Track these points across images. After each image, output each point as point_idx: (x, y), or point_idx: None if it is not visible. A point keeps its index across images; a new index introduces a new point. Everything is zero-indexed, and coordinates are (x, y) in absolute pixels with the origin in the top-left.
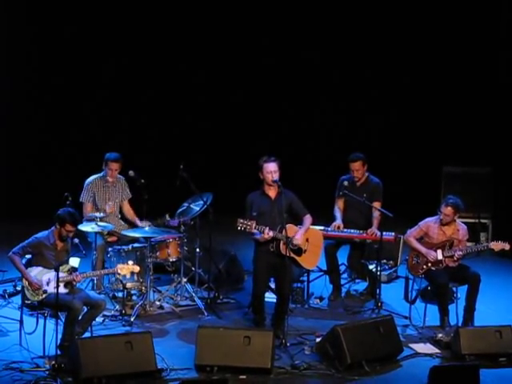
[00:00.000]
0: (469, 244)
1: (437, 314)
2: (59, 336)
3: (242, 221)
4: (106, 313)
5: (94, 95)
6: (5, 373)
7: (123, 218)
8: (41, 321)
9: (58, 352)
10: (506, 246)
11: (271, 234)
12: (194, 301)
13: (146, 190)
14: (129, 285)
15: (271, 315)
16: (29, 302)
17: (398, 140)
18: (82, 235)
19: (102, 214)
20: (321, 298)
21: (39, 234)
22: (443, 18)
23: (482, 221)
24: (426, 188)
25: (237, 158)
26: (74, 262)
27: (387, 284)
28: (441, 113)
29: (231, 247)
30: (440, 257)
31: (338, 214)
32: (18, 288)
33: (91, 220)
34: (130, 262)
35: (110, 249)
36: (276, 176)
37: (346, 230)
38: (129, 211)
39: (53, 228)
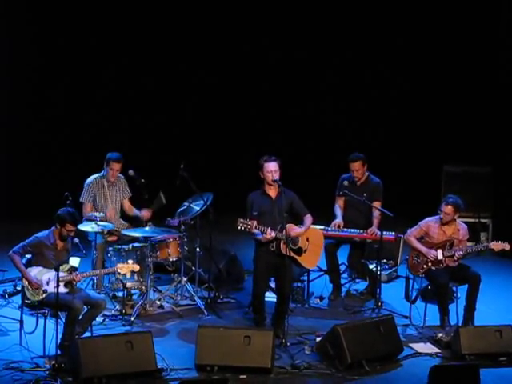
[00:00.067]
0: (469, 244)
1: (437, 313)
2: (59, 336)
3: (242, 220)
4: (106, 312)
5: (94, 95)
6: (5, 372)
7: (125, 216)
8: (41, 320)
9: (58, 352)
10: (507, 247)
11: (273, 234)
12: (194, 300)
13: (147, 190)
14: (129, 284)
15: (271, 315)
16: (29, 301)
17: (398, 139)
18: (82, 235)
19: (101, 214)
20: (321, 298)
21: (39, 234)
22: (443, 18)
23: (482, 220)
24: (426, 187)
25: (237, 158)
26: (74, 261)
27: (387, 283)
28: (441, 112)
29: (231, 247)
30: (440, 256)
31: (338, 212)
32: (18, 288)
33: (91, 220)
34: (130, 261)
35: (109, 248)
36: (276, 176)
37: (346, 229)
38: (130, 208)
39: (53, 228)
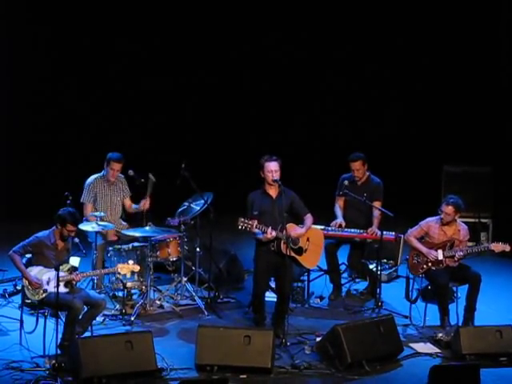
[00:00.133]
0: (469, 244)
1: (437, 313)
2: (59, 335)
3: (243, 220)
4: (106, 312)
5: (94, 95)
6: (5, 372)
7: (125, 216)
8: (41, 320)
9: (58, 351)
10: (507, 248)
11: (274, 233)
12: (195, 300)
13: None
14: (129, 284)
15: (271, 314)
16: (29, 301)
17: (399, 139)
18: (83, 234)
19: (102, 214)
20: (321, 298)
21: (40, 234)
22: (444, 19)
23: (482, 220)
24: (426, 187)
25: (237, 158)
26: (74, 261)
27: (387, 283)
28: (441, 112)
29: (231, 246)
30: (440, 257)
31: (338, 212)
32: (19, 287)
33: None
34: (131, 262)
35: (110, 248)
36: (276, 175)
37: (346, 229)
38: (130, 206)
39: (53, 228)
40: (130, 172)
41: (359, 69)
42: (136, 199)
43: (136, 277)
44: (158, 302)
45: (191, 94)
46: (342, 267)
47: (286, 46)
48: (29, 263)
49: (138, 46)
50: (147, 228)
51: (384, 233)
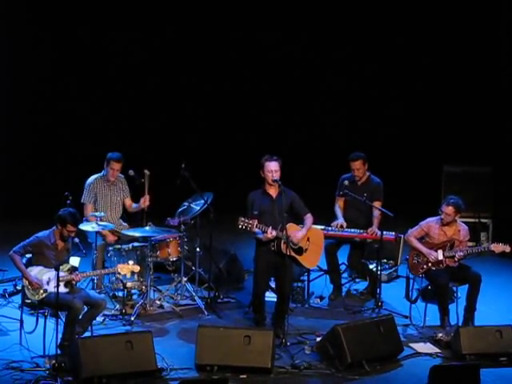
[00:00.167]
0: (470, 244)
1: (437, 313)
2: (59, 335)
3: (243, 219)
4: (106, 312)
5: (94, 95)
6: (5, 372)
7: (128, 214)
8: (41, 320)
9: (59, 351)
10: (507, 249)
11: (274, 233)
12: (195, 300)
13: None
14: (129, 284)
15: (271, 314)
16: (29, 301)
17: (399, 139)
18: (83, 234)
19: (102, 214)
20: (321, 298)
21: (40, 234)
22: (444, 19)
23: (482, 220)
24: (426, 187)
25: (237, 158)
26: (75, 261)
27: (387, 283)
28: (441, 112)
29: (231, 246)
30: (441, 257)
31: (338, 212)
32: (19, 287)
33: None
34: (131, 262)
35: (110, 248)
36: (276, 175)
37: (346, 229)
38: (130, 205)
39: (54, 228)
40: (131, 172)
41: (359, 69)
42: (136, 199)
43: (136, 277)
44: (157, 302)
45: (191, 94)
46: (342, 267)
47: (286, 46)
48: (29, 263)
49: (137, 46)
50: (147, 228)
51: (384, 233)
